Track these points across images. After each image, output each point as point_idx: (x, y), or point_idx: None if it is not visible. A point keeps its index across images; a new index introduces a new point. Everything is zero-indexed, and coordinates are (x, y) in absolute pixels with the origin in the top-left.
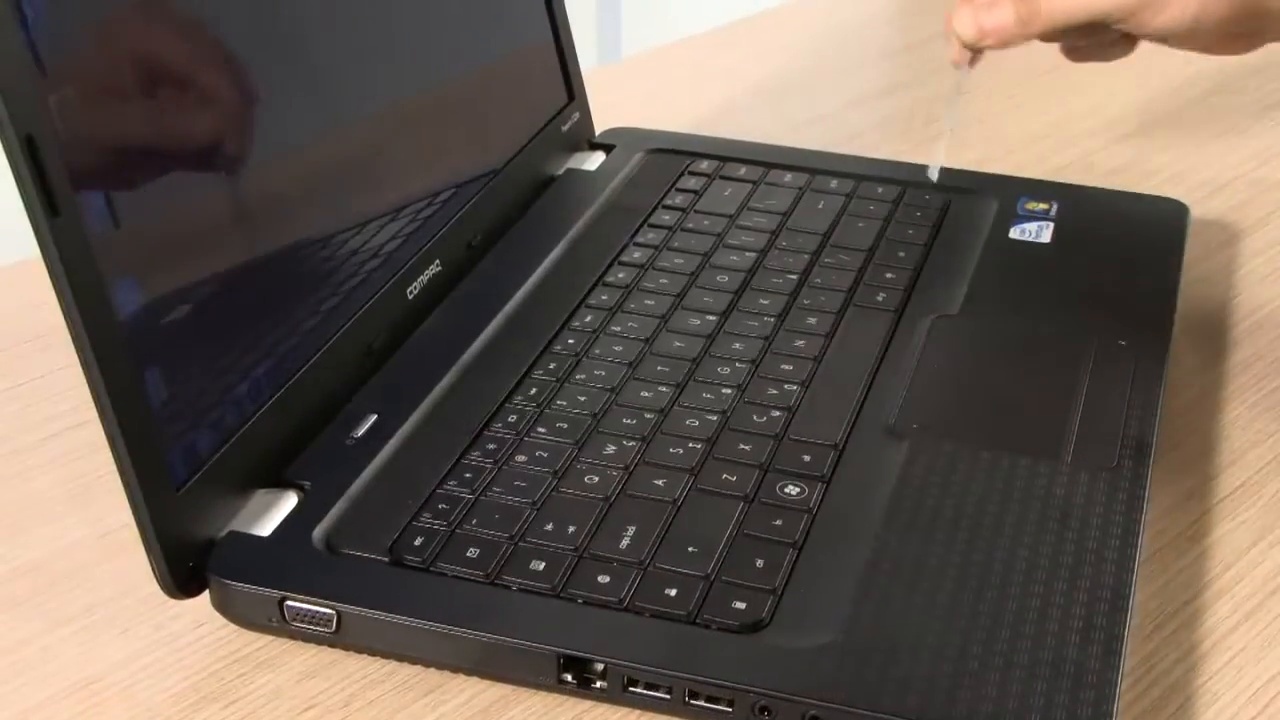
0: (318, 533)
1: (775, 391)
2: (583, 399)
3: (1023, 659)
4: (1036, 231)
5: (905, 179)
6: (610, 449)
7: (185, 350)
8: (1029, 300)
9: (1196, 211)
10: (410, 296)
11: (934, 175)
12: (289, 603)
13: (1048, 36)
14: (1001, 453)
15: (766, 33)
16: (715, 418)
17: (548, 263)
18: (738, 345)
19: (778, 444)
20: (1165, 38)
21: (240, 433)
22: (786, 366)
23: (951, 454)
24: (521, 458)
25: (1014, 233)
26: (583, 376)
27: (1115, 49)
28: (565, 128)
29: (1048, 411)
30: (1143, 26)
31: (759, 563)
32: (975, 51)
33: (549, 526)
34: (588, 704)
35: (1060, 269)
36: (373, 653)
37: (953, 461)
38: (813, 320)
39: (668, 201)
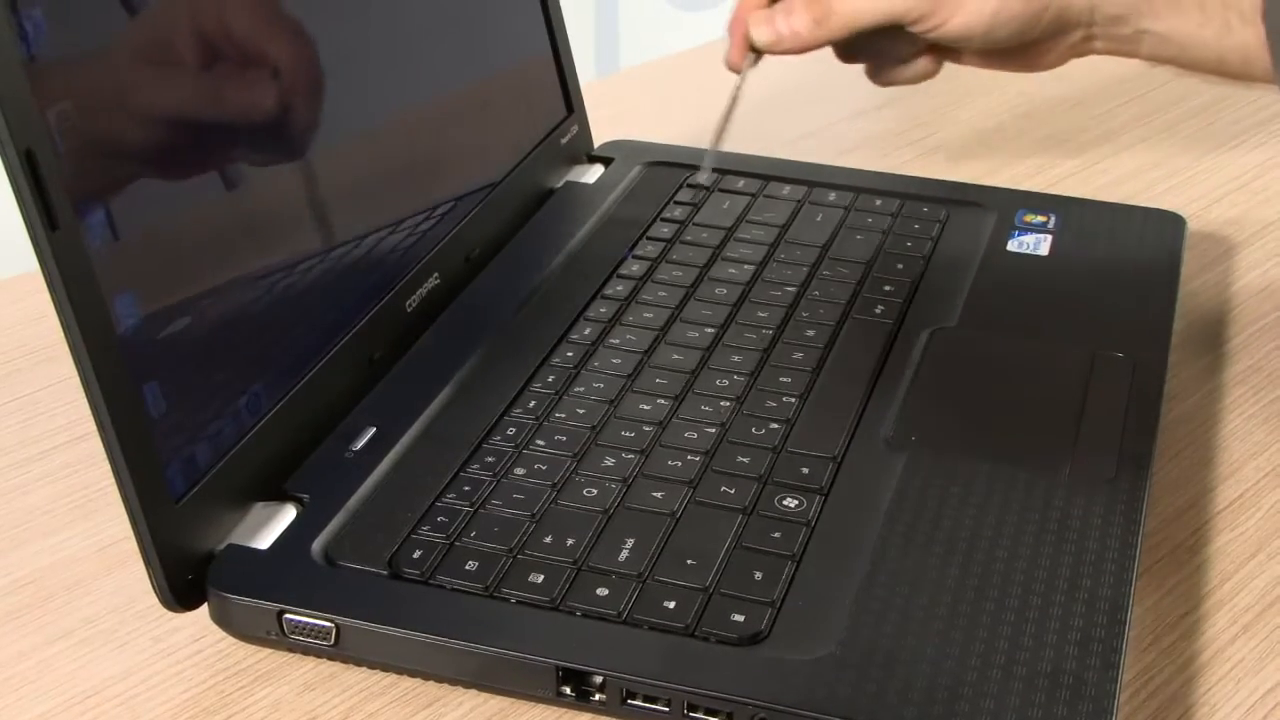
0: (316, 545)
1: (773, 404)
2: (581, 412)
3: (1021, 671)
4: (1034, 244)
5: (903, 191)
6: (609, 461)
7: (184, 363)
8: (1027, 313)
9: (1194, 224)
10: (409, 309)
11: (704, 175)
12: (288, 616)
13: (844, 41)
14: (999, 465)
15: None
16: (714, 430)
17: (546, 275)
18: (736, 358)
19: (776, 456)
20: (963, 43)
21: (239, 445)
22: (785, 379)
23: (949, 466)
24: (520, 470)
25: (1012, 245)
26: (581, 389)
27: (918, 65)
28: (564, 140)
29: (1046, 424)
30: (939, 29)
31: (757, 575)
32: (758, 54)
33: (548, 539)
34: (586, 717)
35: (1058, 281)
36: (372, 665)
37: (951, 474)
38: (811, 333)
39: (666, 214)
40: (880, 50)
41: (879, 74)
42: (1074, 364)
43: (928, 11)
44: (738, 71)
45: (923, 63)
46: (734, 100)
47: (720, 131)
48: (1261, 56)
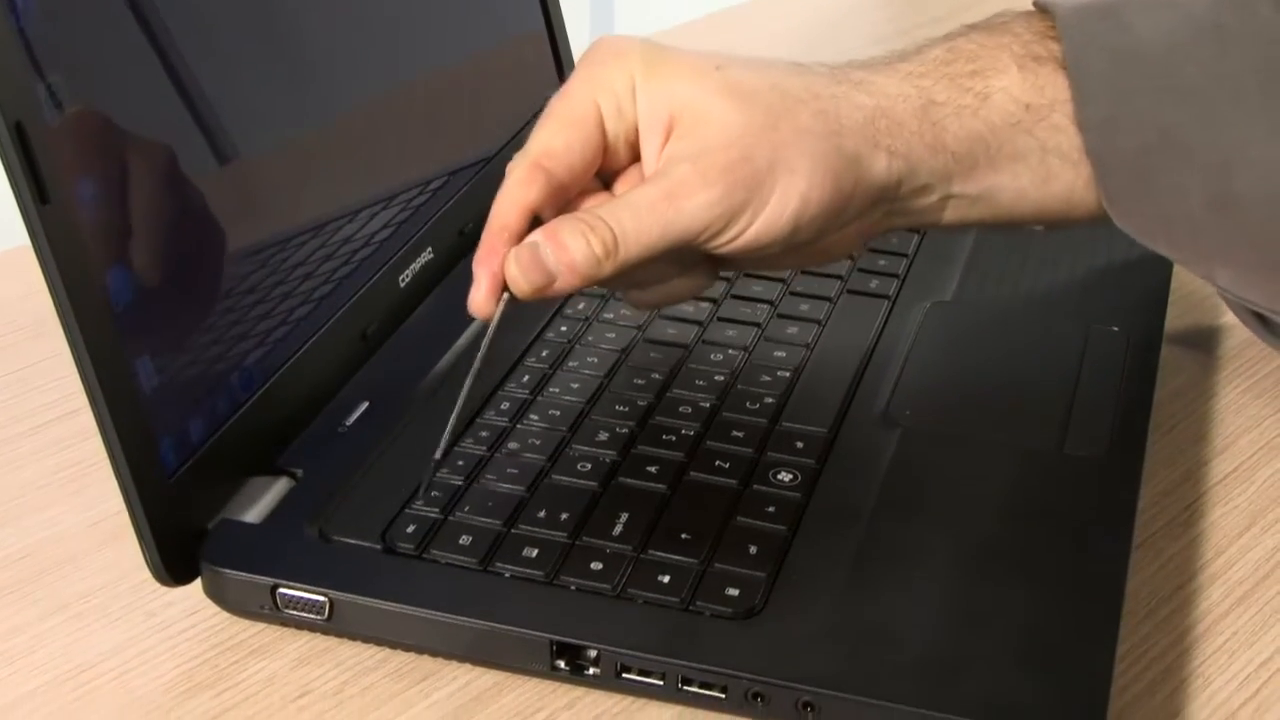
0: (310, 520)
1: (768, 378)
2: (575, 386)
3: (1017, 643)
4: None
5: None
6: (603, 435)
7: (177, 337)
8: (1023, 286)
9: None
10: (402, 284)
11: (439, 453)
12: (281, 590)
13: (631, 268)
14: (994, 438)
15: (759, 19)
16: (708, 404)
17: None
18: (731, 332)
19: (770, 430)
20: (758, 252)
21: (232, 420)
22: (779, 353)
23: (944, 440)
24: (514, 445)
25: None
26: (575, 363)
27: (689, 282)
28: None
29: (1041, 397)
30: (734, 241)
31: (752, 549)
32: (515, 299)
33: (541, 513)
34: (580, 690)
35: (1054, 255)
36: (365, 640)
37: (945, 448)
38: (806, 307)
39: None
40: (648, 272)
41: (637, 295)
42: (1069, 338)
43: (727, 223)
44: (487, 320)
45: (691, 279)
46: (482, 359)
47: (462, 400)
48: (1085, 196)
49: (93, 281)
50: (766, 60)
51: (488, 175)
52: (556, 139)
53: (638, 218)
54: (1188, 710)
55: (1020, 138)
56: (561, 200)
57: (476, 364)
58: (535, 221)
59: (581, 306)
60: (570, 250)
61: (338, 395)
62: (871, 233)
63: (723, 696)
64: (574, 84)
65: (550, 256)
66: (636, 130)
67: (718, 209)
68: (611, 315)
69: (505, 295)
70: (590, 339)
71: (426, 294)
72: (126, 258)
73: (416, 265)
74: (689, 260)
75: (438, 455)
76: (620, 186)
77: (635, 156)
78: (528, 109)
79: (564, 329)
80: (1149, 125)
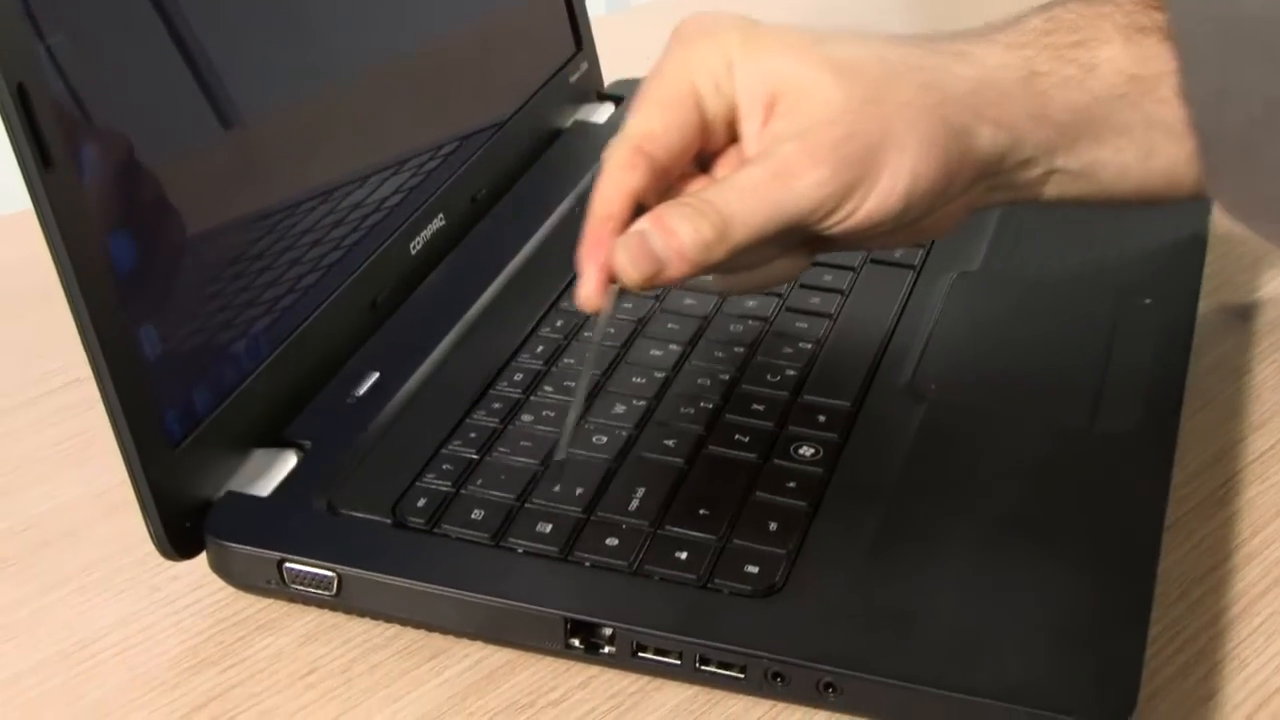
0: (318, 493)
1: (790, 350)
2: (590, 358)
3: (1045, 624)
4: None
5: None
6: (619, 408)
7: (182, 305)
8: (1052, 256)
9: None
10: (413, 251)
11: (561, 454)
12: (288, 564)
13: (739, 254)
14: (1022, 413)
15: None
16: (727, 377)
17: (554, 217)
18: (751, 302)
19: (792, 404)
20: (867, 232)
21: (238, 390)
22: (801, 324)
23: (970, 414)
24: (528, 417)
25: None
26: (590, 335)
27: (783, 265)
28: (573, 79)
29: (1071, 371)
30: (845, 221)
31: (772, 525)
32: (623, 290)
33: (556, 488)
34: (595, 669)
35: (1084, 223)
36: (375, 616)
37: (972, 422)
38: (829, 276)
39: None
40: (747, 256)
41: (731, 281)
42: (1100, 310)
43: (839, 203)
44: (597, 314)
45: (790, 261)
46: (596, 354)
47: (581, 398)
48: (1188, 172)
49: (96, 247)
50: (864, 33)
51: (501, 140)
52: (655, 121)
53: (746, 200)
54: (1223, 693)
55: (1125, 111)
56: (663, 185)
57: (590, 359)
58: (638, 210)
59: None
60: (679, 236)
61: (347, 365)
62: (970, 210)
63: (741, 677)
64: (668, 64)
65: (659, 243)
66: (735, 110)
67: (828, 188)
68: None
69: (614, 287)
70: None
71: (438, 262)
72: (130, 223)
73: (428, 232)
74: (788, 242)
75: (560, 456)
76: (720, 169)
77: (734, 137)
78: (543, 73)
79: None
80: (1256, 97)
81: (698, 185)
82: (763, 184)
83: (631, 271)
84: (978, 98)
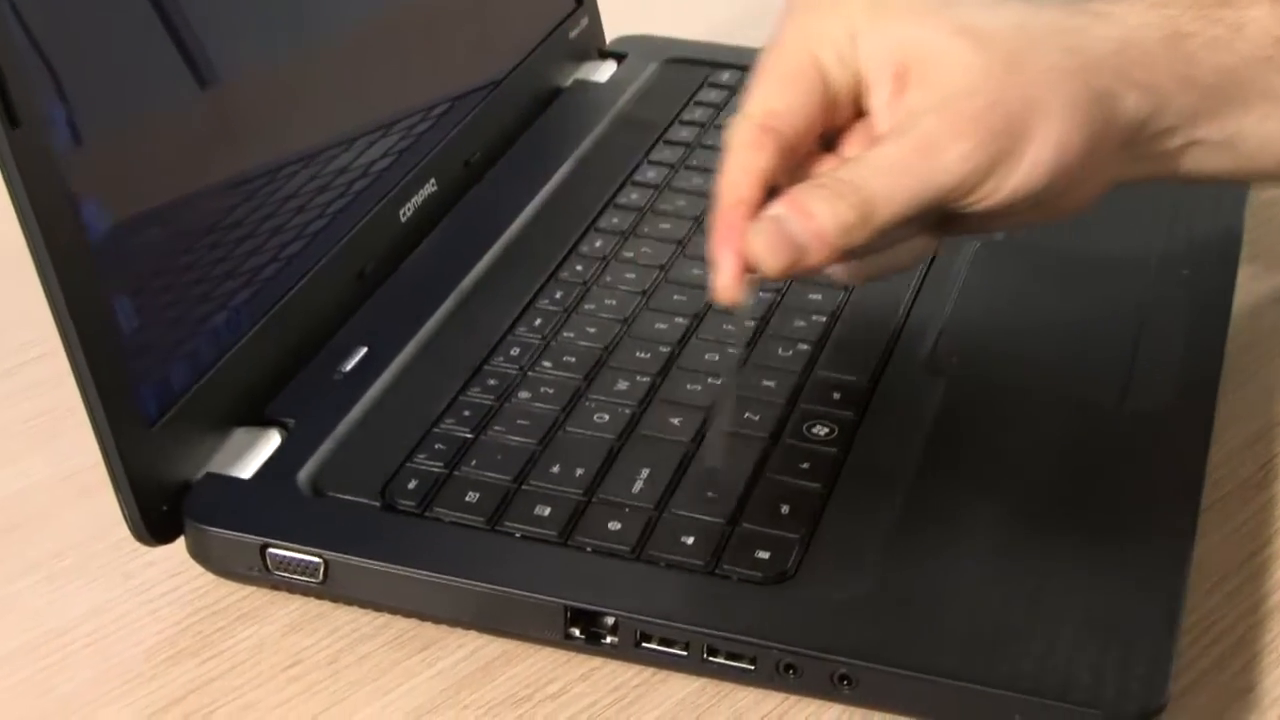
0: (303, 475)
1: (802, 323)
2: (592, 331)
3: (1072, 615)
4: None
5: None
6: (622, 385)
7: (159, 275)
8: (1084, 223)
9: None
10: (403, 219)
11: (714, 462)
12: (271, 550)
13: (878, 237)
14: (1048, 390)
15: None
16: (736, 352)
17: (553, 182)
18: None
19: (805, 380)
20: (1008, 209)
21: (218, 366)
22: (815, 296)
23: (994, 392)
24: (525, 394)
25: None
26: (592, 306)
27: (916, 246)
28: (572, 35)
29: (1102, 345)
30: (991, 196)
31: (784, 509)
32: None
33: (555, 468)
34: (597, 661)
35: (1118, 190)
36: (363, 605)
37: (996, 399)
38: None
39: (686, 116)
40: (884, 241)
41: (853, 269)
42: (1132, 281)
43: (985, 177)
44: (735, 307)
45: (918, 243)
46: (744, 351)
47: (732, 399)
48: None
49: (67, 212)
50: None
51: (497, 100)
52: (778, 98)
53: (887, 177)
54: (1261, 686)
55: (1272, 75)
56: (790, 166)
57: (737, 354)
58: (770, 194)
59: (598, 245)
60: (818, 219)
61: (333, 339)
62: (1109, 184)
63: (751, 668)
64: (787, 36)
65: (797, 228)
66: (861, 83)
67: (973, 162)
68: (631, 254)
69: (753, 277)
70: (608, 279)
71: (430, 229)
72: (104, 188)
73: (418, 198)
74: (920, 225)
75: (716, 465)
76: (849, 147)
77: (859, 112)
78: (540, 29)
79: (579, 268)
80: None
81: (827, 165)
82: (904, 160)
83: (770, 260)
84: (1121, 59)
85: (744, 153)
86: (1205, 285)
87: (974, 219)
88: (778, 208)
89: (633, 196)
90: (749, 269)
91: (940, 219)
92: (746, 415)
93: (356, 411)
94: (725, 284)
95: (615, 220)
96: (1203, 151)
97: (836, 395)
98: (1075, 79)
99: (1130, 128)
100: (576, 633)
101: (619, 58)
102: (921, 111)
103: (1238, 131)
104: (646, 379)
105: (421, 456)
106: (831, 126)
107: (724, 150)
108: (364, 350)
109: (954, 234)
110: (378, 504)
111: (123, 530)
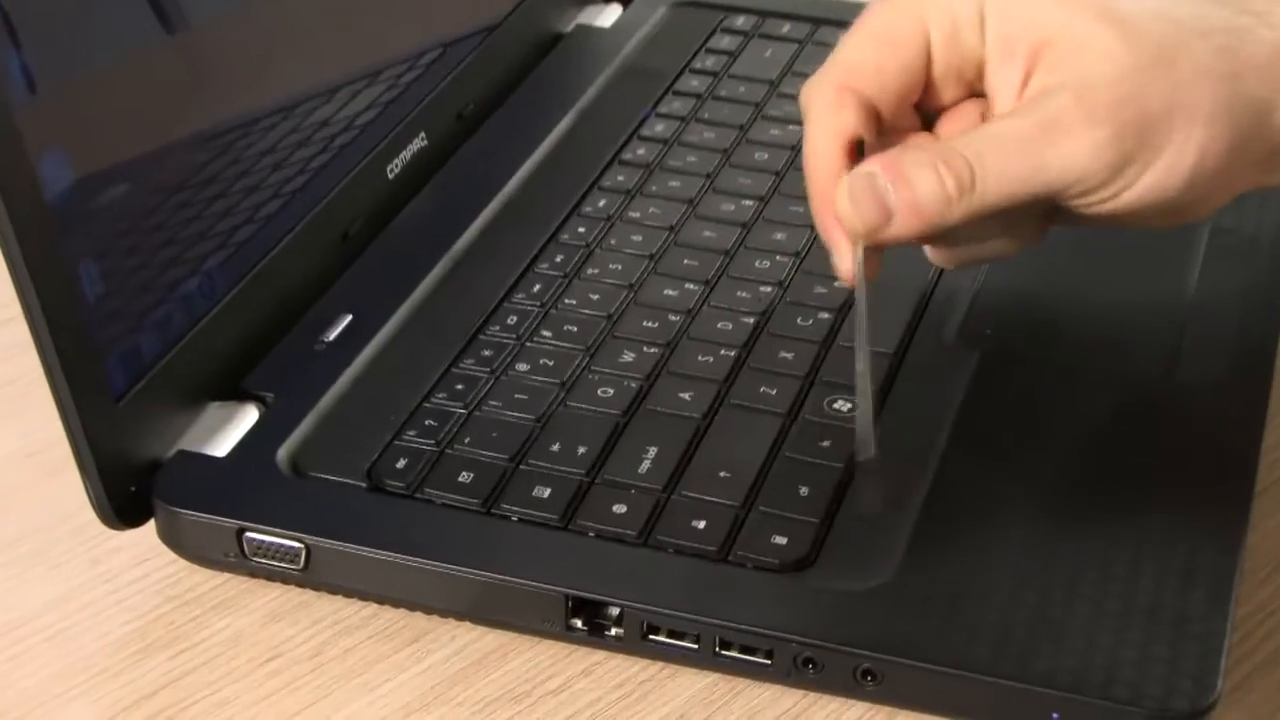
0: (283, 453)
1: (823, 290)
2: (595, 298)
3: (1114, 606)
4: None
5: None
6: (628, 356)
7: (126, 236)
8: None
9: None
10: (391, 175)
11: (868, 454)
12: (249, 534)
13: (980, 218)
14: (1091, 362)
15: None
16: (751, 320)
17: (554, 136)
18: (779, 235)
19: (825, 351)
20: (1139, 211)
21: (191, 335)
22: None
23: (1031, 364)
24: (523, 366)
25: None
26: (595, 271)
27: (1014, 238)
28: None
29: (1148, 312)
30: (1117, 198)
31: (803, 490)
32: (878, 250)
33: (555, 447)
34: (600, 654)
35: None
36: (348, 594)
37: (1032, 373)
38: None
39: (697, 64)
40: (982, 224)
41: (955, 254)
42: (1183, 242)
43: (1113, 175)
44: (850, 284)
45: (1019, 235)
46: (867, 330)
47: (868, 385)
48: None
49: (25, 168)
50: None
51: (492, 47)
52: (865, 56)
53: (1003, 154)
54: None
55: None
56: (877, 134)
57: (862, 337)
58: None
59: (602, 204)
60: (915, 185)
61: (315, 306)
62: (1243, 192)
63: (768, 663)
64: None
65: (888, 191)
66: (976, 64)
67: (1105, 155)
68: (637, 214)
69: (860, 246)
70: (613, 241)
71: (420, 187)
72: (66, 141)
73: (407, 153)
74: (1025, 214)
75: (868, 456)
76: (947, 127)
77: (965, 94)
78: None
79: (581, 230)
80: None
81: (919, 142)
82: (1026, 137)
83: (854, 218)
84: (1278, 66)
85: (825, 115)
86: (1263, 246)
87: (1092, 218)
88: (873, 165)
89: (639, 152)
90: (865, 240)
91: (1051, 209)
92: (762, 389)
93: (340, 384)
94: (845, 267)
95: (620, 178)
96: None
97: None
98: (1228, 84)
99: (1278, 138)
100: (578, 624)
101: (624, 1)
102: (1056, 90)
103: None
104: (654, 350)
105: (411, 433)
106: (925, 107)
107: (803, 116)
108: (348, 318)
109: (1063, 225)
110: (363, 485)
111: (88, 513)
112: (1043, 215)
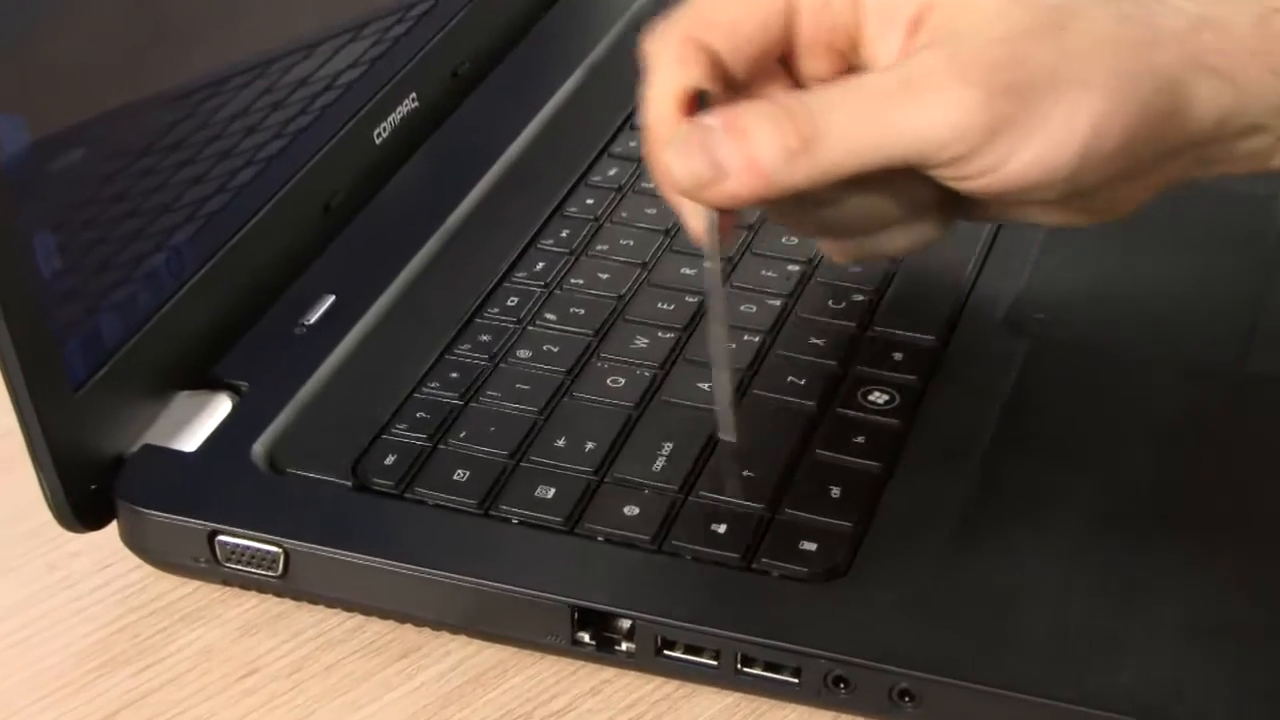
0: (259, 447)
1: (858, 269)
2: (604, 277)
3: (1174, 620)
4: None
5: None
6: (640, 342)
7: (85, 207)
8: None
9: None
10: (378, 140)
11: (729, 435)
12: (221, 537)
13: (833, 186)
14: (1153, 351)
15: None
16: (777, 303)
17: (559, 97)
18: None
19: (860, 338)
20: (1027, 193)
21: (157, 317)
22: None
23: (1086, 353)
24: (524, 353)
25: None
26: (604, 247)
27: (913, 229)
28: None
29: (1216, 296)
30: (987, 175)
31: (834, 492)
32: (723, 212)
33: (560, 442)
34: (610, 671)
35: None
36: (330, 603)
37: (1088, 363)
38: None
39: None
40: (856, 209)
41: (837, 245)
42: (1255, 217)
43: (985, 141)
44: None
45: (917, 229)
46: (718, 299)
47: (722, 360)
48: None
49: None
50: None
51: None
52: (720, 9)
53: (856, 108)
54: None
55: None
56: (725, 92)
57: (714, 309)
58: None
59: (613, 173)
60: (754, 140)
61: (294, 286)
62: (1166, 186)
63: (795, 681)
64: None
65: (723, 144)
66: (848, 35)
67: (972, 116)
68: (651, 184)
69: (711, 214)
70: (624, 214)
71: (410, 154)
72: (16, 100)
73: (396, 116)
74: (917, 200)
75: (729, 437)
76: None
77: (842, 67)
78: None
79: (590, 201)
80: None
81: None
82: (885, 92)
83: (680, 171)
84: (1196, 39)
85: (668, 69)
86: None
87: (983, 204)
88: (711, 118)
89: None
90: (693, 197)
91: (946, 199)
92: (790, 379)
93: (322, 373)
94: (694, 225)
95: (633, 144)
96: None
97: (898, 356)
98: (1131, 55)
99: (1202, 125)
100: (585, 638)
101: None
102: (928, 49)
103: None
104: (670, 335)
105: (400, 427)
106: (802, 77)
107: (646, 67)
108: (331, 299)
109: (968, 218)
110: (348, 483)
111: (44, 514)
112: (940, 204)
